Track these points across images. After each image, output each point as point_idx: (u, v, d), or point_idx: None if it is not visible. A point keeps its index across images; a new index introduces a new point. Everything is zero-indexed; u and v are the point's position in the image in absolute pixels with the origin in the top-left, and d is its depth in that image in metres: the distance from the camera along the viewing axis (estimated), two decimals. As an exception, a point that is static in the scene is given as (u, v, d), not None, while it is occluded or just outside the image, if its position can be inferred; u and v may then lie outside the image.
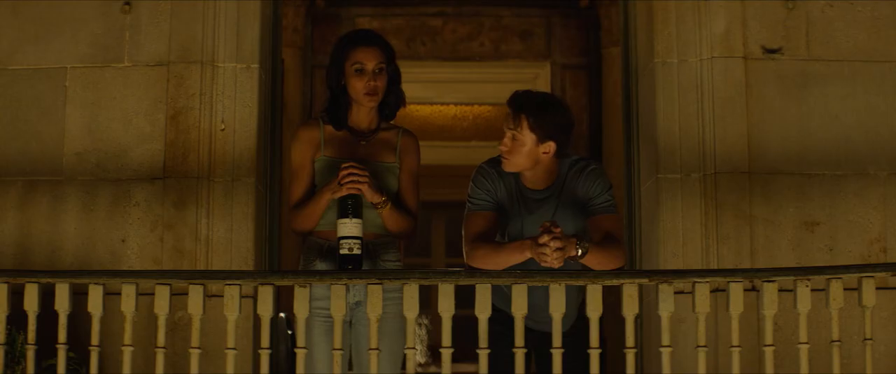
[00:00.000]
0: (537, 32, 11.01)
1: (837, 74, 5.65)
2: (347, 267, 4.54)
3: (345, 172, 4.69)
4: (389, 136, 5.03)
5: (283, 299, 5.74)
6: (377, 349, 4.30)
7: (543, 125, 4.73)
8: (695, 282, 4.37)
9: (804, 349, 4.37)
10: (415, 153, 5.04)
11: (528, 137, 4.74)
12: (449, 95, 12.12)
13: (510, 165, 4.81)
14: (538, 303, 4.48)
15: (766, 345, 4.36)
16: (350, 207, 4.61)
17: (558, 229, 4.51)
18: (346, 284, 4.36)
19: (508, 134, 4.78)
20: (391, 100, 5.02)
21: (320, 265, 4.84)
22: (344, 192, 4.67)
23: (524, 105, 4.77)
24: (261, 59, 5.67)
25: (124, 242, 5.52)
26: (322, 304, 4.60)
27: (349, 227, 4.60)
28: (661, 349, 4.34)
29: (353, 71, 4.93)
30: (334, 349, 4.31)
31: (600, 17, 10.79)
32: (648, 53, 5.74)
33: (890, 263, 5.41)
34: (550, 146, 4.77)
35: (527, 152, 4.77)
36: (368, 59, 4.92)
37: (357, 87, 4.93)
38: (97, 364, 4.35)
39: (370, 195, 4.74)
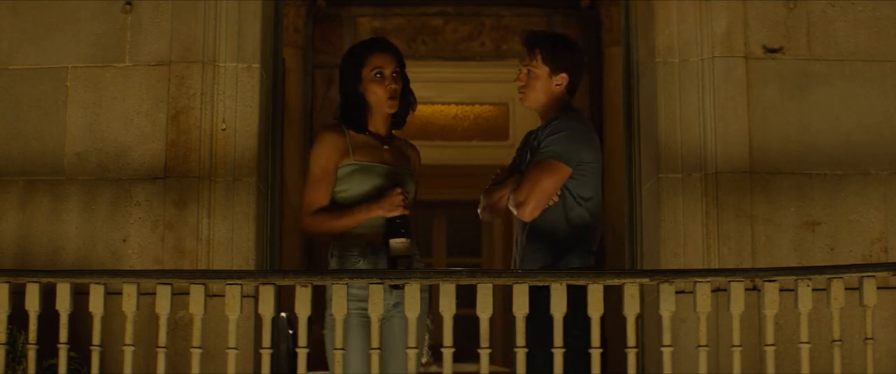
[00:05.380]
0: (538, 32, 11.02)
1: (838, 73, 5.65)
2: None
3: (402, 198, 4.78)
4: (400, 143, 5.10)
5: (284, 299, 5.73)
6: (378, 348, 4.30)
7: (556, 57, 4.93)
8: (696, 282, 4.36)
9: (805, 348, 4.37)
10: (419, 163, 5.17)
11: (541, 69, 4.93)
12: (450, 94, 12.12)
13: (528, 101, 5.00)
14: None
15: (767, 345, 4.36)
16: (401, 225, 4.74)
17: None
18: (346, 284, 4.36)
19: (523, 70, 4.97)
20: (401, 108, 5.05)
21: (363, 265, 4.84)
22: (398, 212, 4.76)
23: (537, 40, 4.99)
24: (262, 59, 5.67)
25: (125, 241, 5.52)
26: (362, 305, 4.60)
27: (404, 246, 4.70)
28: (663, 349, 4.34)
29: (373, 76, 4.94)
30: (335, 349, 4.30)
31: (601, 17, 10.81)
32: (649, 53, 5.74)
33: (891, 262, 5.41)
34: (563, 78, 4.94)
35: (542, 86, 4.94)
36: (386, 64, 4.96)
37: (377, 92, 4.94)
38: (98, 364, 4.35)
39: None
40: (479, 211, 5.04)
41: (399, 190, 4.81)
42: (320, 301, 4.55)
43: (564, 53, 4.96)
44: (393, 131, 5.10)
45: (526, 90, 4.98)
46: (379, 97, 4.94)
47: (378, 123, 5.01)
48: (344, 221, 4.84)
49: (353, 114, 4.97)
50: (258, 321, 5.06)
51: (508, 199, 4.85)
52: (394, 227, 4.75)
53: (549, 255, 4.79)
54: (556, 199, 4.79)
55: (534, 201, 4.77)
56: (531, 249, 4.84)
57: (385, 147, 4.98)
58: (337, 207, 4.88)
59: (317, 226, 4.91)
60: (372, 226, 4.82)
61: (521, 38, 5.07)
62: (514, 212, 4.82)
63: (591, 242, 4.85)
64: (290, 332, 7.54)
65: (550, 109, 4.96)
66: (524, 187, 4.78)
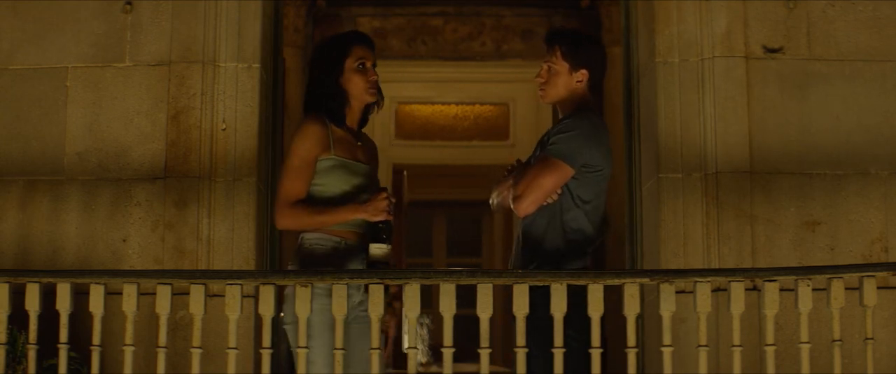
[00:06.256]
0: (538, 32, 11.02)
1: (838, 73, 5.65)
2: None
3: (387, 204, 4.75)
4: (365, 140, 5.05)
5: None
6: (379, 348, 4.30)
7: (576, 53, 4.90)
8: (696, 281, 4.36)
9: (805, 348, 4.37)
10: (377, 160, 5.11)
11: (561, 65, 4.91)
12: (450, 94, 12.12)
13: (547, 97, 4.98)
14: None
15: (767, 345, 4.36)
16: (383, 230, 4.73)
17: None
18: (346, 283, 4.36)
19: (544, 66, 4.95)
20: (370, 104, 5.03)
21: (353, 263, 4.82)
22: (382, 217, 4.73)
23: (557, 36, 4.97)
24: (262, 59, 5.67)
25: (125, 241, 5.53)
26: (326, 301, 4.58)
27: (384, 252, 4.70)
28: (663, 349, 4.33)
29: (356, 66, 4.90)
30: (335, 349, 4.30)
31: (601, 17, 10.80)
32: (650, 53, 5.74)
33: (891, 262, 5.41)
34: (584, 74, 4.91)
35: (562, 83, 4.92)
36: (368, 56, 4.93)
37: (359, 83, 4.90)
38: (98, 364, 4.34)
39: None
40: (490, 202, 5.03)
41: (385, 195, 4.77)
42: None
43: (584, 49, 4.93)
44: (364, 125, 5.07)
45: (546, 87, 4.95)
46: (360, 88, 4.90)
47: (352, 118, 4.97)
48: (326, 218, 4.76)
49: (330, 105, 4.90)
50: (258, 321, 5.07)
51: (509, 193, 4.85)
52: (376, 232, 4.72)
53: (540, 255, 4.78)
54: (555, 197, 4.78)
55: (531, 197, 4.76)
56: (524, 247, 4.84)
57: (358, 144, 4.95)
58: (317, 202, 4.79)
59: (293, 218, 4.78)
60: (348, 225, 4.79)
61: (543, 35, 5.07)
62: (511, 206, 4.81)
63: (585, 244, 4.82)
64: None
65: (570, 105, 4.93)
66: (523, 181, 4.78)
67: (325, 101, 4.88)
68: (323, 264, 4.76)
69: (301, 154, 4.82)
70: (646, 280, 4.41)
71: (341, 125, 4.92)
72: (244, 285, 4.36)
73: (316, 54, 4.99)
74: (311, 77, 4.95)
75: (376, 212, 4.74)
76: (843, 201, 5.55)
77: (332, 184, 4.81)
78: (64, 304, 4.32)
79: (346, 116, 4.93)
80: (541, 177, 4.75)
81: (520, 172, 4.86)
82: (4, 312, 4.34)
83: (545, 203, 4.77)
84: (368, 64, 4.92)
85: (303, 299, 4.29)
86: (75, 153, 5.59)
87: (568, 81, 4.91)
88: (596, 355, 4.29)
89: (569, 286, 4.30)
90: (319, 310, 4.50)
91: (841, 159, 5.58)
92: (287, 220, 4.81)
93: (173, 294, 4.34)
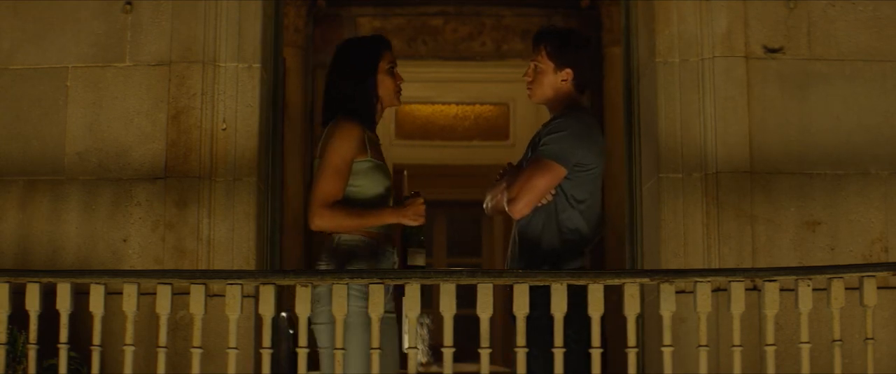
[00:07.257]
0: (538, 32, 11.01)
1: (839, 73, 5.65)
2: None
3: (423, 209, 4.77)
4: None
5: (285, 299, 5.74)
6: (379, 348, 4.30)
7: (560, 53, 4.93)
8: (696, 281, 4.36)
9: (805, 348, 4.37)
10: None
11: (547, 65, 4.95)
12: (450, 94, 12.12)
13: (534, 96, 5.02)
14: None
15: (767, 345, 4.36)
16: (419, 234, 4.77)
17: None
18: (346, 283, 4.36)
19: (531, 65, 5.01)
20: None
21: (386, 263, 4.82)
22: (420, 221, 4.76)
23: (543, 35, 5.01)
24: (262, 59, 5.67)
25: (125, 241, 5.53)
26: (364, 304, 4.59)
27: (422, 257, 4.75)
28: (663, 349, 4.34)
29: (388, 69, 4.92)
30: (336, 349, 4.30)
31: (602, 17, 10.81)
32: (650, 53, 5.74)
33: (891, 262, 5.41)
34: (568, 74, 4.94)
35: (548, 82, 4.96)
36: (395, 60, 4.96)
37: (391, 87, 4.92)
38: (98, 364, 4.35)
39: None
40: (484, 206, 5.04)
41: (421, 200, 4.78)
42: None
43: (569, 49, 4.95)
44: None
45: (533, 86, 4.99)
46: (390, 91, 4.93)
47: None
48: (366, 220, 4.75)
49: (364, 107, 4.89)
50: (258, 321, 5.07)
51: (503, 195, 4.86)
52: (413, 236, 4.77)
53: (536, 255, 4.78)
54: (549, 198, 4.79)
55: (525, 199, 4.77)
56: (521, 249, 4.84)
57: (379, 146, 4.96)
58: (357, 204, 4.78)
59: (332, 219, 4.72)
60: (379, 226, 4.80)
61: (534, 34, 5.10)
62: (506, 208, 4.82)
63: (581, 244, 4.83)
64: (291, 332, 7.54)
65: (557, 104, 4.95)
66: (516, 184, 4.79)
67: (359, 103, 4.87)
68: (363, 264, 4.77)
69: (343, 154, 4.78)
70: (646, 280, 4.41)
71: (373, 128, 4.92)
72: (244, 285, 4.37)
73: (346, 57, 4.96)
74: (341, 79, 4.91)
75: (416, 216, 4.75)
76: (844, 201, 5.55)
77: (368, 186, 4.80)
78: (64, 304, 4.32)
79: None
80: (534, 178, 4.76)
81: (512, 174, 4.88)
82: (4, 312, 4.34)
83: (540, 204, 4.78)
84: (396, 68, 4.95)
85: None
86: (75, 153, 5.59)
87: (553, 80, 4.94)
88: (596, 355, 4.29)
89: (568, 286, 4.30)
90: (356, 312, 4.53)
91: (841, 159, 5.58)
92: (325, 221, 4.75)
93: (173, 294, 4.34)
